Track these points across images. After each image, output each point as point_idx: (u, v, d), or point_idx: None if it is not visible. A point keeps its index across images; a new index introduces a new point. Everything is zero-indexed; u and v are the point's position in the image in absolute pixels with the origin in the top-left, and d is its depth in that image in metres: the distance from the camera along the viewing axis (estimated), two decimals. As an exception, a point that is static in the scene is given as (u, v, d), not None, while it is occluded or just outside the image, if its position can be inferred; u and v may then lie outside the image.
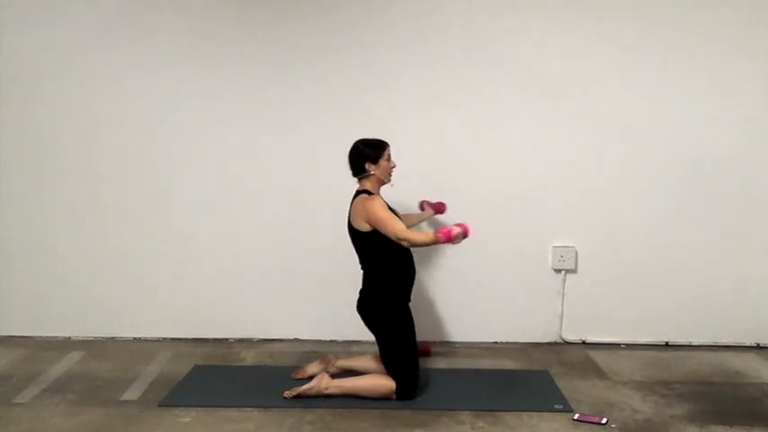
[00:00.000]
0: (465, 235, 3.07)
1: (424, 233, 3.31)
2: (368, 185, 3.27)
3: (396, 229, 3.12)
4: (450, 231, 3.03)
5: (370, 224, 3.17)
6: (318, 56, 3.96)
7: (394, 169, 3.32)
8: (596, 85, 3.96)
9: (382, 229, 3.14)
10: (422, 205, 3.81)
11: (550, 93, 3.97)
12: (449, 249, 4.04)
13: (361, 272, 3.34)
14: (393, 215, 3.22)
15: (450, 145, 4.01)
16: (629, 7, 3.90)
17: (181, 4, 3.95)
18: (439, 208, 3.77)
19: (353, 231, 3.27)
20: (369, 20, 3.95)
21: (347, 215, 3.31)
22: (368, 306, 3.30)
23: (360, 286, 3.34)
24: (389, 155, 3.29)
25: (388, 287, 3.28)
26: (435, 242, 3.09)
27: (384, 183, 3.32)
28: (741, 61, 3.93)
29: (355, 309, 3.33)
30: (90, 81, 4.00)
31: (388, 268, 3.28)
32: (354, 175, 3.31)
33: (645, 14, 3.90)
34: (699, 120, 3.98)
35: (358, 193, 3.29)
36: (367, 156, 3.25)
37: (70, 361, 3.81)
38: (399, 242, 3.12)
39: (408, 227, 3.27)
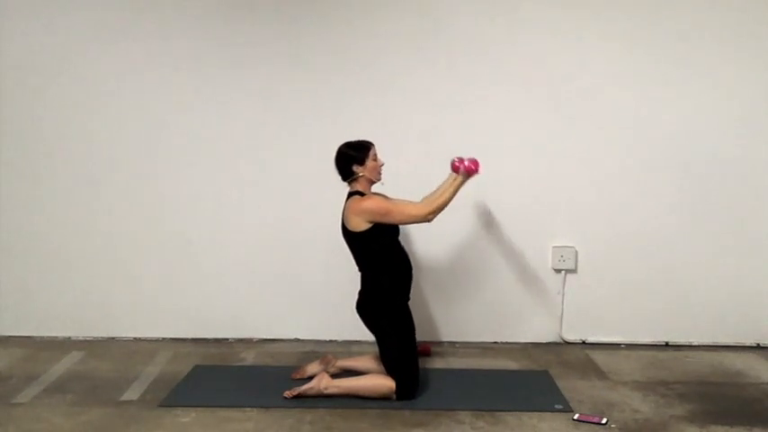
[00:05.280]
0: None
1: (440, 192, 3.31)
2: (359, 187, 3.27)
3: (412, 210, 3.19)
4: (474, 163, 3.22)
5: (376, 221, 3.16)
6: (317, 56, 3.96)
7: (383, 167, 3.32)
8: (596, 86, 3.96)
9: (396, 219, 3.17)
10: (453, 164, 3.38)
11: (550, 93, 3.97)
12: (449, 249, 4.05)
13: (359, 273, 3.34)
14: (398, 200, 3.23)
15: (449, 145, 3.98)
16: (628, 6, 3.90)
17: (180, 6, 3.95)
18: (470, 168, 3.31)
19: (348, 233, 3.26)
20: (367, 21, 3.95)
21: (340, 217, 3.30)
22: (367, 306, 3.30)
23: (359, 286, 3.34)
24: (375, 154, 3.29)
25: (385, 286, 3.27)
26: (460, 185, 3.25)
27: (374, 182, 3.32)
28: (741, 61, 3.93)
29: (355, 309, 3.34)
30: (90, 82, 4.00)
31: (384, 267, 3.27)
32: (344, 179, 3.31)
33: (644, 13, 3.90)
34: (699, 120, 3.98)
35: (350, 194, 3.28)
36: (352, 158, 3.25)
37: (70, 361, 3.81)
38: (426, 220, 3.19)
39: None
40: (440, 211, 3.23)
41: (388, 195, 3.36)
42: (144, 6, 3.95)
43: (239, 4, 3.95)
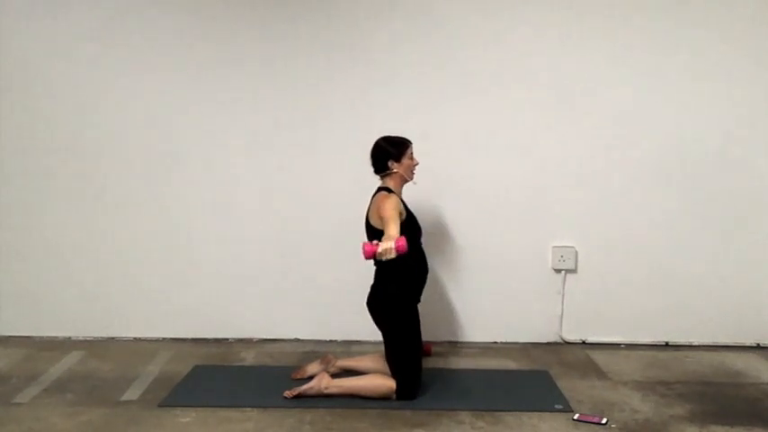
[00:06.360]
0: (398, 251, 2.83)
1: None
2: (390, 184, 3.25)
3: (391, 231, 2.97)
4: (369, 250, 2.82)
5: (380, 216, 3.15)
6: (322, 54, 3.96)
7: (417, 167, 3.31)
8: (596, 85, 3.96)
9: (384, 229, 3.12)
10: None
11: (550, 93, 3.97)
12: (449, 249, 4.05)
13: (374, 267, 3.30)
14: (396, 219, 3.09)
15: (450, 145, 4.01)
16: (626, 6, 3.90)
17: (182, 6, 3.95)
18: None
19: (370, 227, 3.24)
20: (374, 18, 3.95)
21: (366, 211, 3.27)
22: (377, 302, 3.28)
23: (365, 284, 3.32)
24: (412, 153, 3.28)
25: (398, 285, 3.25)
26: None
27: (407, 181, 3.30)
28: (741, 61, 3.93)
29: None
30: (92, 81, 4.00)
31: (401, 267, 3.20)
32: (377, 172, 3.28)
33: (644, 13, 3.90)
34: (700, 120, 3.98)
35: (379, 189, 3.26)
36: (390, 154, 3.23)
37: (70, 361, 3.81)
38: None
39: None
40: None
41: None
42: (145, 6, 3.95)
43: (239, 4, 3.95)
